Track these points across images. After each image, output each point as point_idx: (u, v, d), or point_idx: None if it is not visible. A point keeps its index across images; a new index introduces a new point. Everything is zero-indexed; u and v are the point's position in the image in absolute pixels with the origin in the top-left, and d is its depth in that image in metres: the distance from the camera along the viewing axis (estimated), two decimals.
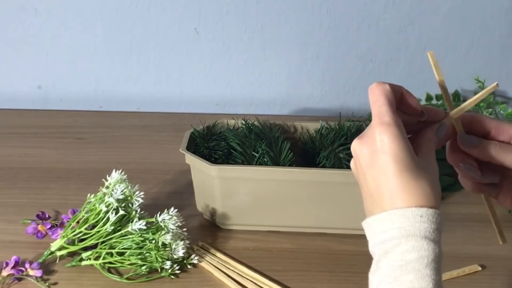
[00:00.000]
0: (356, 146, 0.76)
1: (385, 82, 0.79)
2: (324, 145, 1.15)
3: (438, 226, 0.72)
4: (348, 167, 1.11)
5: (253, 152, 1.13)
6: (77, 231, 1.05)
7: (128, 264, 1.03)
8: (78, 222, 1.06)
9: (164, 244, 1.03)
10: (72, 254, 1.07)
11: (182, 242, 1.04)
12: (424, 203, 0.72)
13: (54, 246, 1.06)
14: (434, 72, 0.81)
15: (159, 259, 1.02)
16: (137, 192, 1.06)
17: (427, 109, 0.80)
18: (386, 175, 0.73)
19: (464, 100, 1.48)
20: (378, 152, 0.73)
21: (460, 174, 0.83)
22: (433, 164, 0.76)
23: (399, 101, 0.79)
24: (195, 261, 1.06)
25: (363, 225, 0.75)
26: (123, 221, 1.05)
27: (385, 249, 0.71)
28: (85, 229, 1.05)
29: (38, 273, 1.03)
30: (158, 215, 1.04)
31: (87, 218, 1.05)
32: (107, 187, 1.05)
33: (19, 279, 1.03)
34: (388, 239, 0.71)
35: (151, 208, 1.09)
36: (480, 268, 1.06)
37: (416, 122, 0.80)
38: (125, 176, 1.06)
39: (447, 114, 0.80)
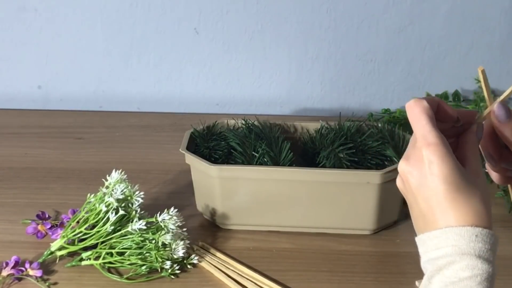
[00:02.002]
0: (404, 168, 0.77)
1: (422, 98, 0.78)
2: (324, 145, 1.15)
3: (492, 247, 0.74)
4: (348, 167, 1.12)
5: (253, 152, 1.13)
6: (77, 231, 1.05)
7: (128, 264, 1.03)
8: (78, 222, 1.06)
9: (164, 244, 1.03)
10: (72, 254, 1.07)
11: (182, 242, 1.04)
12: (478, 222, 0.73)
13: (54, 246, 1.06)
14: (483, 88, 0.82)
15: (159, 259, 1.02)
16: (137, 192, 1.06)
17: (460, 113, 0.81)
18: (437, 197, 0.74)
19: (464, 100, 1.48)
20: (427, 175, 0.74)
21: (487, 166, 0.83)
22: (481, 175, 0.77)
23: (436, 111, 0.79)
24: (195, 261, 1.06)
25: (416, 241, 0.76)
26: (123, 221, 1.05)
27: (438, 265, 0.72)
28: (85, 229, 1.05)
29: (38, 273, 1.03)
30: (158, 215, 1.04)
31: (87, 218, 1.05)
32: (107, 187, 1.05)
33: (19, 279, 1.03)
34: (442, 256, 0.72)
35: (151, 208, 1.09)
36: None
37: (451, 127, 0.80)
38: (125, 176, 1.06)
39: (478, 113, 0.81)
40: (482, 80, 0.81)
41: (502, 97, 0.81)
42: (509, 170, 0.83)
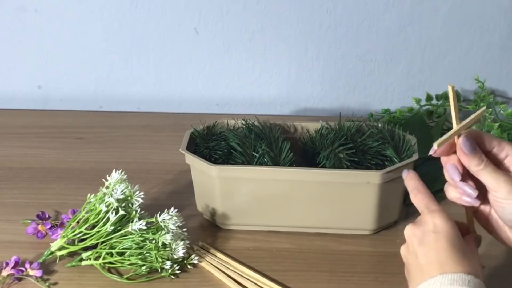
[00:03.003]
0: (409, 229, 0.85)
1: (415, 173, 0.89)
2: (324, 145, 1.15)
3: None
4: (348, 167, 1.12)
5: (253, 152, 1.13)
6: (77, 231, 1.05)
7: (128, 264, 1.03)
8: (78, 222, 1.06)
9: (164, 244, 1.03)
10: (72, 254, 1.07)
11: (182, 242, 1.04)
12: (471, 272, 0.79)
13: (54, 246, 1.06)
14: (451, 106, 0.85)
15: (159, 259, 1.02)
16: (137, 192, 1.06)
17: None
18: (436, 250, 0.81)
19: (464, 100, 1.48)
20: (430, 232, 0.82)
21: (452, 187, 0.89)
22: (476, 254, 0.85)
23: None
24: (195, 261, 1.06)
25: None
26: (123, 221, 1.05)
27: None
28: (85, 229, 1.05)
29: (38, 273, 1.03)
30: (158, 215, 1.04)
31: (87, 218, 1.05)
32: (107, 187, 1.05)
33: (19, 279, 1.03)
34: None
35: (151, 208, 1.09)
36: None
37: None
38: (125, 176, 1.06)
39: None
40: (451, 97, 0.83)
41: (467, 121, 0.84)
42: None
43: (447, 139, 0.84)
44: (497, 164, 0.84)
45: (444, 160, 0.86)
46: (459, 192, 0.86)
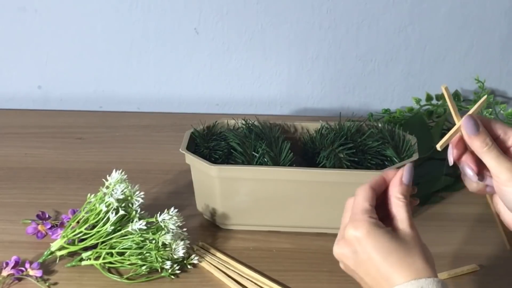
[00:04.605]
0: (337, 251, 0.81)
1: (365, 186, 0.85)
2: (324, 145, 1.15)
3: None
4: (348, 167, 1.12)
5: (253, 152, 1.13)
6: (77, 231, 1.05)
7: (128, 264, 1.03)
8: (78, 222, 1.06)
9: (164, 244, 1.03)
10: (72, 254, 1.07)
11: (182, 242, 1.04)
12: (421, 275, 0.76)
13: (54, 246, 1.06)
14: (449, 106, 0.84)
15: (159, 259, 1.02)
16: (137, 192, 1.06)
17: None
18: (375, 267, 0.78)
19: (464, 100, 1.48)
20: (358, 252, 0.79)
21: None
22: (412, 229, 0.81)
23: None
24: (195, 261, 1.06)
25: None
26: (123, 221, 1.05)
27: None
28: (85, 229, 1.05)
29: (38, 273, 1.03)
30: (158, 215, 1.04)
31: (87, 218, 1.05)
32: (107, 187, 1.05)
33: (19, 279, 1.03)
34: None
35: (151, 208, 1.09)
36: (478, 268, 1.06)
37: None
38: (125, 176, 1.06)
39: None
40: (446, 97, 0.83)
41: (470, 112, 0.82)
42: (487, 186, 0.85)
43: (448, 139, 0.83)
44: (504, 150, 0.83)
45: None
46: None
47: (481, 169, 0.85)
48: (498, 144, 0.84)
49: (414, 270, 0.77)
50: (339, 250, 0.81)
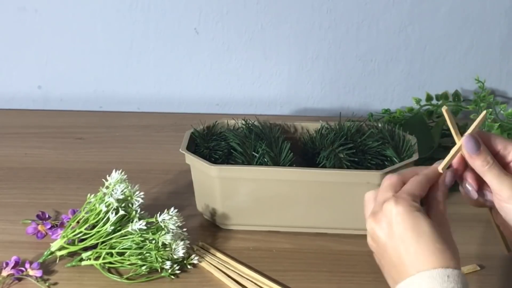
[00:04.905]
0: (372, 224, 0.81)
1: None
2: (324, 145, 1.15)
3: (463, 286, 0.76)
4: (348, 167, 1.12)
5: (253, 152, 1.13)
6: (77, 231, 1.05)
7: (128, 264, 1.03)
8: (78, 222, 1.06)
9: (164, 244, 1.03)
10: (72, 254, 1.07)
11: (182, 242, 1.04)
12: (447, 264, 0.76)
13: (54, 246, 1.06)
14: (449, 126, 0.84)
15: (159, 259, 1.02)
16: (137, 192, 1.06)
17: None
18: (405, 244, 0.78)
19: (464, 100, 1.48)
20: (393, 224, 0.78)
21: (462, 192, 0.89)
22: (445, 222, 0.82)
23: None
24: (195, 261, 1.06)
25: None
26: (123, 221, 1.05)
27: None
28: (85, 229, 1.05)
29: (38, 273, 1.03)
30: (158, 215, 1.04)
31: (87, 218, 1.05)
32: (107, 187, 1.05)
33: (19, 279, 1.03)
34: None
35: (151, 208, 1.09)
36: (478, 268, 1.06)
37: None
38: (125, 176, 1.06)
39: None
40: (447, 118, 0.83)
41: (470, 130, 0.83)
42: (487, 200, 0.86)
43: (450, 159, 0.84)
44: (504, 166, 0.84)
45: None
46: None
47: (481, 185, 0.86)
48: (498, 159, 0.84)
49: (440, 258, 0.77)
50: (374, 221, 0.81)
